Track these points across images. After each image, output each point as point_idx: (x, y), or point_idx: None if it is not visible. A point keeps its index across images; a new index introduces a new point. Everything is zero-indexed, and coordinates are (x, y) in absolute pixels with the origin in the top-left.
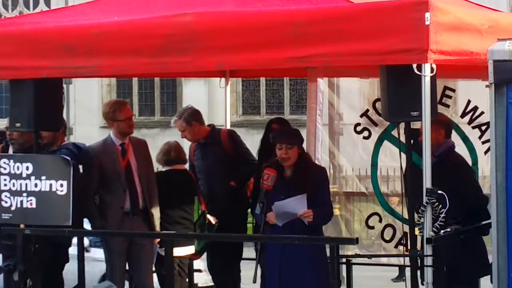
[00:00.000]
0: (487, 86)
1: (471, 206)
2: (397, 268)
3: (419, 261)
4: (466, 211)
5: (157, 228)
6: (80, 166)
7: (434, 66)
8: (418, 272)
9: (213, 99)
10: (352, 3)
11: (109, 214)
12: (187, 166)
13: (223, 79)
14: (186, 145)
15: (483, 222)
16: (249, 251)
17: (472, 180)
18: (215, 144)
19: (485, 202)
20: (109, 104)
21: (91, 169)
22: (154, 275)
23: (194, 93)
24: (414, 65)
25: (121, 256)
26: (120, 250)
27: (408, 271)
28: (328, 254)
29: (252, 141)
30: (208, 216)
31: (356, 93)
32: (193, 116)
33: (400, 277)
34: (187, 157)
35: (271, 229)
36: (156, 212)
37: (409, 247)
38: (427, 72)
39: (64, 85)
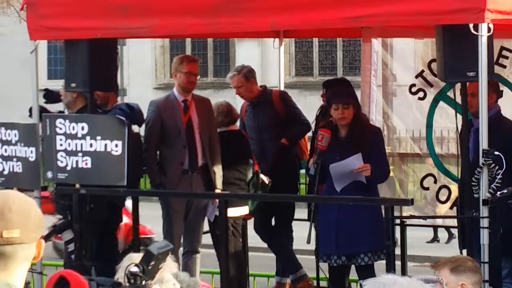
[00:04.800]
0: None
1: None
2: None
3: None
4: None
5: (219, 186)
6: (135, 126)
7: (491, 25)
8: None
9: (266, 60)
10: None
11: (168, 170)
12: (237, 125)
13: (276, 39)
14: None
15: None
16: (300, 212)
17: None
18: (267, 104)
19: None
20: (180, 56)
21: (152, 124)
22: (208, 235)
23: (247, 54)
24: (471, 25)
25: (179, 214)
26: (178, 208)
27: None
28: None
29: (304, 102)
30: (262, 176)
31: (411, 54)
32: (251, 73)
33: (435, 238)
34: (239, 116)
35: (327, 189)
36: (218, 170)
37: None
38: (484, 32)
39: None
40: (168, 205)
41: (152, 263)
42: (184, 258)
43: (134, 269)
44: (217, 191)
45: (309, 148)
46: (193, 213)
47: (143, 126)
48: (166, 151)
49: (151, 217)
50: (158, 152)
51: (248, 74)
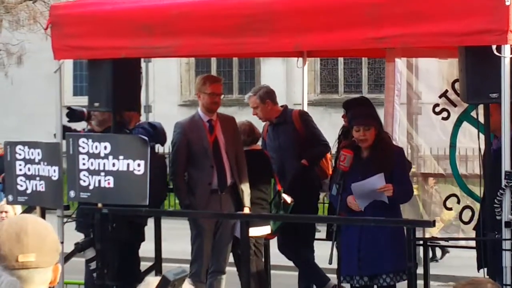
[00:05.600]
0: None
1: None
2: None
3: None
4: None
5: (247, 204)
6: (157, 145)
7: None
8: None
9: (291, 77)
10: None
11: (197, 190)
12: (259, 144)
13: (300, 59)
14: (258, 124)
15: None
16: (321, 232)
17: None
18: (287, 124)
19: None
20: (203, 76)
21: (178, 145)
22: (230, 254)
23: (272, 71)
24: (494, 46)
25: (208, 234)
26: (207, 228)
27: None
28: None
29: (329, 120)
30: (284, 195)
31: (435, 74)
32: (268, 94)
33: (433, 257)
34: (261, 135)
35: (349, 211)
36: (246, 188)
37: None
38: (506, 53)
39: (144, 64)
40: (197, 225)
41: None
42: (210, 278)
43: None
44: (246, 209)
45: (331, 168)
46: (221, 233)
47: (166, 144)
48: (194, 172)
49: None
50: (186, 173)
51: (263, 95)
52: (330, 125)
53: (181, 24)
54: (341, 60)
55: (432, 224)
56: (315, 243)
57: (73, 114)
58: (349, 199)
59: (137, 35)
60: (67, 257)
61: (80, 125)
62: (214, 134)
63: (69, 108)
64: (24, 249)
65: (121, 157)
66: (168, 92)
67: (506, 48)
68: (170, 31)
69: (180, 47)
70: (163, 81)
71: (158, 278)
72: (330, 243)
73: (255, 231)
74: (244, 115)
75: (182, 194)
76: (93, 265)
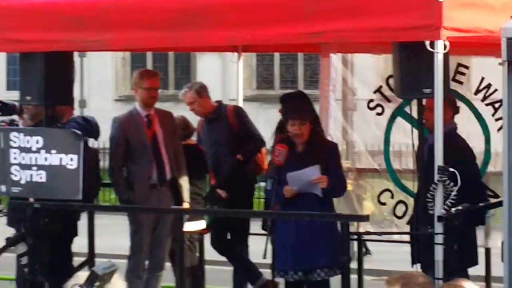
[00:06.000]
0: (500, 64)
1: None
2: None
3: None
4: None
5: (187, 199)
6: (91, 140)
7: (447, 43)
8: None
9: (227, 73)
10: None
11: (136, 185)
12: (194, 139)
13: (235, 53)
14: (192, 119)
15: (494, 201)
16: (255, 226)
17: (475, 164)
18: (222, 119)
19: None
20: (140, 71)
21: (117, 141)
22: None
23: (208, 67)
24: (427, 42)
25: (147, 229)
26: (146, 224)
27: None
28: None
29: (265, 115)
30: (218, 190)
31: (370, 69)
32: (203, 88)
33: (366, 252)
34: (195, 130)
35: (284, 205)
36: (185, 183)
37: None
38: (440, 49)
39: (78, 58)
40: (136, 221)
41: (97, 284)
42: (148, 274)
43: None
44: (185, 204)
45: (266, 162)
46: (160, 228)
47: (101, 139)
48: (132, 167)
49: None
50: (125, 169)
51: (199, 89)
52: (266, 120)
53: (115, 17)
54: (277, 55)
55: (366, 218)
56: (250, 237)
57: (5, 108)
58: (285, 188)
59: (70, 28)
60: None
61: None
62: (153, 129)
63: (0, 102)
64: None
65: (53, 151)
66: (103, 87)
67: (439, 44)
68: (103, 25)
69: (113, 40)
70: (98, 76)
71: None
72: (265, 238)
73: (190, 226)
74: (179, 111)
75: (121, 189)
76: (24, 260)
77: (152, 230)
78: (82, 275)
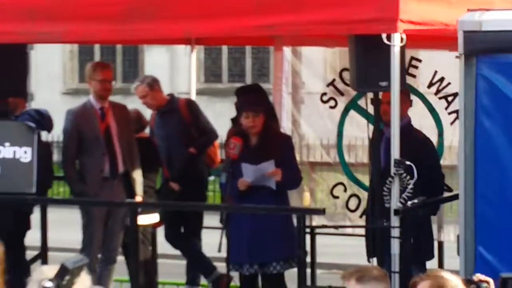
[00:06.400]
0: (457, 57)
1: (432, 181)
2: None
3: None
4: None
5: (140, 193)
6: (44, 133)
7: (403, 36)
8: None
9: (175, 66)
10: None
11: (88, 178)
12: (147, 132)
13: (188, 46)
14: (144, 113)
15: (449, 194)
16: (208, 219)
17: (436, 155)
18: (174, 112)
19: (443, 179)
20: (93, 63)
21: (70, 133)
22: None
23: (156, 60)
24: (384, 35)
25: (99, 222)
26: (98, 217)
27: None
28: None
29: (213, 109)
30: (171, 183)
31: (321, 62)
32: (155, 81)
33: None
34: (148, 123)
35: (238, 198)
36: (138, 176)
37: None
38: (396, 42)
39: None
40: (88, 213)
41: (67, 278)
42: (100, 267)
43: (49, 284)
44: (138, 197)
45: (219, 155)
46: (112, 221)
47: (54, 132)
48: (85, 160)
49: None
50: (77, 161)
51: (152, 82)
52: (214, 114)
53: (66, 9)
54: (225, 49)
55: (323, 212)
56: (205, 231)
57: None
58: (239, 181)
59: (21, 20)
60: None
61: None
62: (106, 122)
63: None
64: None
65: (7, 144)
66: (51, 80)
67: (396, 37)
68: (54, 17)
69: (65, 33)
70: (46, 69)
71: (52, 267)
72: (219, 231)
73: (143, 219)
74: (129, 104)
75: (73, 182)
76: None
77: (104, 223)
78: (47, 269)
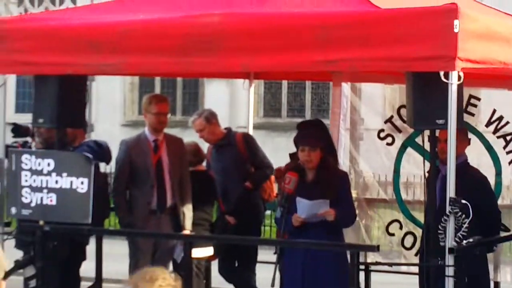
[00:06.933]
0: None
1: (489, 220)
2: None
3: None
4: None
5: (188, 227)
6: (102, 164)
7: (461, 74)
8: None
9: (235, 101)
10: (379, 8)
11: (136, 209)
12: (204, 165)
13: (246, 81)
14: (202, 145)
15: (506, 234)
16: (263, 254)
17: (493, 194)
18: (231, 146)
19: (500, 218)
20: (149, 96)
21: (121, 163)
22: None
23: (216, 93)
24: (441, 73)
25: (146, 254)
26: (145, 248)
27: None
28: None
29: (272, 143)
30: (227, 217)
31: (380, 99)
32: (212, 115)
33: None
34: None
35: (293, 233)
36: (188, 211)
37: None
38: (454, 80)
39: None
40: (135, 245)
41: None
42: None
43: None
44: (185, 232)
45: (275, 190)
46: (160, 254)
47: (111, 163)
48: (135, 191)
49: (117, 255)
50: (128, 192)
51: (209, 116)
52: (272, 149)
53: (128, 41)
54: (284, 84)
55: (376, 248)
56: (258, 265)
57: (18, 130)
58: (293, 217)
59: (84, 52)
60: (6, 275)
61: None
62: (159, 154)
63: (14, 124)
64: None
65: (64, 174)
66: (111, 112)
67: (453, 75)
68: (116, 49)
69: (126, 64)
70: (106, 101)
71: None
72: (273, 266)
73: (198, 252)
74: (187, 137)
75: (121, 213)
76: (32, 283)
77: (151, 255)
78: None
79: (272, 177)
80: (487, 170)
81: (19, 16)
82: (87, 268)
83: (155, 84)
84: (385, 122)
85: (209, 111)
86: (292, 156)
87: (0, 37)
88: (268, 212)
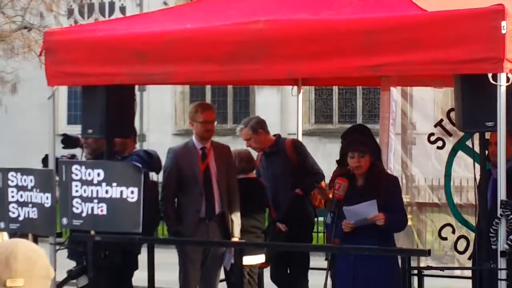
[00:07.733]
0: None
1: None
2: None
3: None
4: None
5: (237, 235)
6: (152, 174)
7: (510, 75)
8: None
9: (286, 107)
10: (426, 11)
11: (185, 218)
12: (254, 173)
13: (295, 87)
14: (253, 153)
15: None
16: (315, 260)
17: None
18: (280, 153)
19: None
20: (195, 104)
21: (169, 172)
22: (224, 283)
23: (267, 101)
24: (490, 75)
25: (195, 263)
26: (194, 257)
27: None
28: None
29: (324, 149)
30: (278, 224)
31: (430, 103)
32: (259, 124)
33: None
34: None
35: (343, 239)
36: (236, 218)
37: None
38: (502, 81)
39: (138, 92)
40: (184, 254)
41: None
42: None
43: None
44: (234, 239)
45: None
46: (209, 262)
47: (161, 172)
48: (183, 199)
49: (168, 264)
50: (176, 200)
51: (255, 125)
52: (324, 155)
53: (175, 51)
54: (335, 89)
55: (427, 253)
56: (310, 272)
57: (68, 141)
58: (343, 223)
59: (132, 62)
60: (59, 285)
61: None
62: (206, 162)
63: (64, 134)
64: (12, 274)
65: (114, 184)
66: (162, 121)
67: (502, 77)
68: (164, 58)
69: (173, 73)
70: (157, 110)
71: None
72: (325, 272)
73: (249, 260)
74: (238, 145)
75: (170, 221)
76: None
77: (201, 263)
78: None
79: (323, 183)
80: None
81: (67, 28)
82: (139, 277)
83: (206, 92)
84: (435, 126)
85: (256, 119)
86: (339, 163)
87: (48, 49)
88: (321, 219)
